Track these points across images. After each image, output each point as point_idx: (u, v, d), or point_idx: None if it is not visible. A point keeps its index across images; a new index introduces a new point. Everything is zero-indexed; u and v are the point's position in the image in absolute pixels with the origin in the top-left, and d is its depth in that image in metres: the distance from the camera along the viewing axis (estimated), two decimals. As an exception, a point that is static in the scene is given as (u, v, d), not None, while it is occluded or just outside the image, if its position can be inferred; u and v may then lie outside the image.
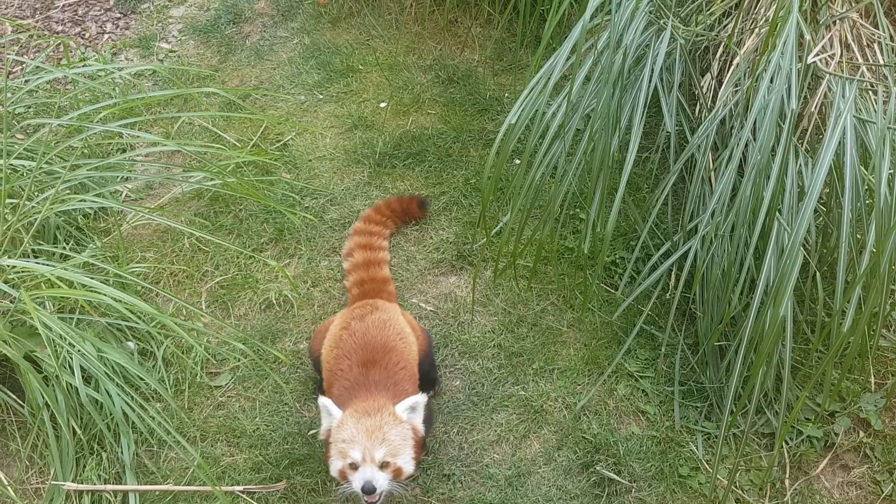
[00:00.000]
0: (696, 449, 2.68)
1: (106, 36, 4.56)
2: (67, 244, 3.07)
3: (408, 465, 2.32)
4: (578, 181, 2.77)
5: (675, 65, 2.96)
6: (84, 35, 4.58)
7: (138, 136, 3.22)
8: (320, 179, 3.54)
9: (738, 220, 2.47)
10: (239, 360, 2.91)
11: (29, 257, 2.72)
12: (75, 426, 2.54)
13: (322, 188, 3.49)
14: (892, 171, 2.33)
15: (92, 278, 2.51)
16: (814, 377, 2.49)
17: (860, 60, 2.80)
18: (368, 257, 3.01)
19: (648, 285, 2.75)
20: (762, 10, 3.12)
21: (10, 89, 3.26)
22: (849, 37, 2.87)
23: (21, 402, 2.64)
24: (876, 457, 2.65)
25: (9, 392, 2.65)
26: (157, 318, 2.62)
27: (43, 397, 2.48)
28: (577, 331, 2.99)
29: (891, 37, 2.81)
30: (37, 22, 4.69)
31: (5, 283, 2.52)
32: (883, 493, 2.59)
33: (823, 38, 2.81)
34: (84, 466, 2.59)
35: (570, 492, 2.60)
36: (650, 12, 2.78)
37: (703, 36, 3.11)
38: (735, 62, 2.96)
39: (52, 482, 2.53)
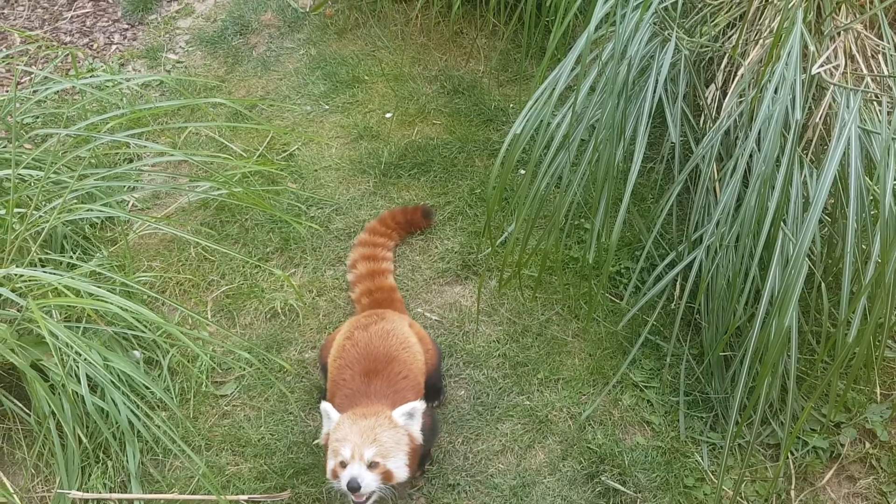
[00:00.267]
0: (702, 459, 2.67)
1: (114, 47, 4.60)
2: (74, 253, 3.08)
3: (399, 469, 2.31)
4: (583, 191, 2.78)
5: (679, 76, 2.97)
6: (92, 46, 4.62)
7: (145, 147, 3.24)
8: (326, 189, 3.56)
9: (742, 230, 2.47)
10: (244, 370, 2.91)
11: (36, 266, 2.74)
12: (81, 435, 2.55)
13: (327, 198, 3.51)
14: (896, 181, 2.33)
15: (99, 287, 2.52)
16: (819, 388, 2.49)
17: (865, 71, 2.80)
18: (373, 268, 3.02)
19: (653, 295, 2.75)
20: (766, 22, 3.13)
21: (18, 99, 3.29)
22: (853, 48, 2.87)
23: (27, 411, 2.65)
24: (882, 468, 2.64)
25: (15, 400, 2.66)
26: (163, 327, 2.63)
27: (49, 406, 2.49)
28: (582, 341, 2.99)
29: (895, 47, 2.82)
30: (45, 33, 4.73)
31: (13, 291, 2.53)
32: (889, 504, 2.58)
33: (828, 49, 2.82)
34: (89, 475, 2.60)
35: (574, 502, 2.59)
36: (654, 23, 2.79)
37: (707, 47, 3.13)
38: (740, 73, 2.97)
39: (58, 491, 2.53)
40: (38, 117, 3.75)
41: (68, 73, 4.28)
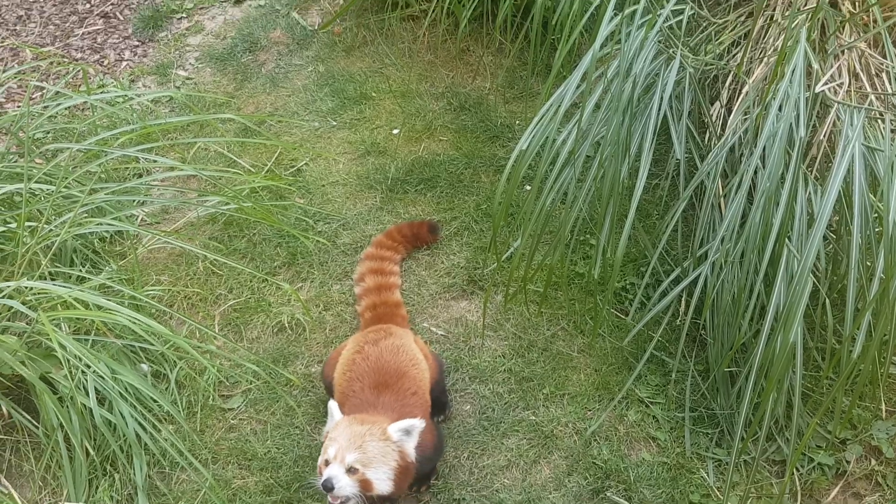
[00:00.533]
0: (707, 476, 2.67)
1: (124, 63, 4.65)
2: (84, 267, 3.11)
3: (380, 482, 2.31)
4: (588, 207, 2.80)
5: (684, 93, 2.99)
6: (103, 62, 4.67)
7: (155, 161, 3.27)
8: (333, 204, 3.58)
9: (747, 246, 2.49)
10: (251, 383, 2.93)
11: (46, 280, 2.76)
12: (89, 447, 2.57)
13: (335, 213, 3.53)
14: (900, 198, 2.34)
15: (108, 300, 2.55)
16: (824, 404, 2.49)
17: (868, 89, 2.82)
18: (379, 282, 3.04)
19: (659, 311, 2.76)
20: (770, 40, 3.16)
21: (30, 115, 3.33)
22: (857, 66, 2.89)
23: (35, 423, 2.66)
24: (888, 485, 2.64)
25: (24, 413, 2.68)
26: (172, 339, 2.65)
27: (58, 418, 2.51)
28: (587, 356, 3.00)
29: (899, 66, 2.84)
30: (57, 49, 4.79)
31: (23, 304, 2.56)
32: (896, 522, 2.58)
33: (832, 67, 2.84)
34: (97, 488, 2.61)
35: (580, 518, 2.60)
36: (659, 42, 2.82)
37: (712, 65, 3.15)
38: (744, 91, 2.99)
39: (65, 503, 2.54)
40: (48, 133, 3.79)
41: (79, 88, 4.33)
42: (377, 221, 3.49)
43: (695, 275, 2.68)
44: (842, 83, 2.82)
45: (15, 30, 4.98)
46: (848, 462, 2.67)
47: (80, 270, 3.03)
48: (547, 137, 2.62)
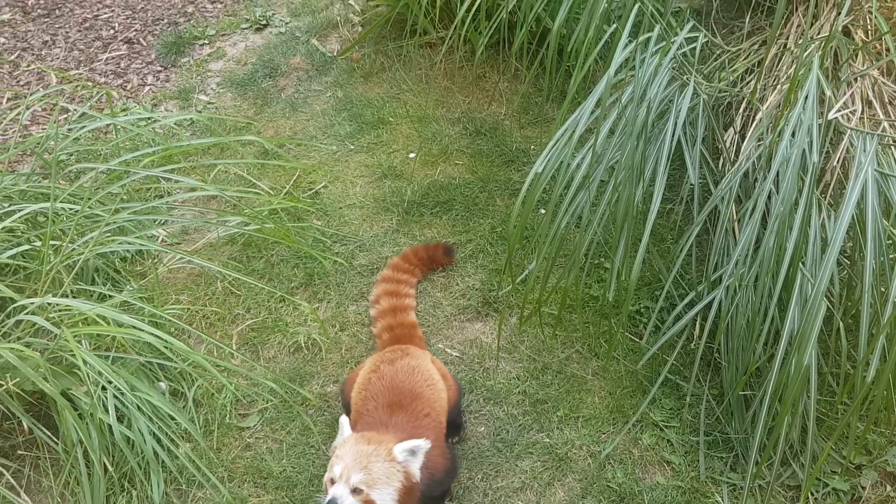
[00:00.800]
0: (722, 500, 2.66)
1: (147, 88, 4.75)
2: (105, 286, 3.16)
3: (384, 502, 2.33)
4: (603, 231, 2.82)
5: (698, 119, 3.03)
6: (126, 87, 4.77)
7: (180, 181, 3.34)
8: (350, 226, 3.63)
9: (761, 270, 2.51)
10: (268, 402, 2.96)
11: (68, 297, 2.81)
12: (107, 463, 2.59)
13: (352, 235, 3.58)
14: (914, 223, 2.36)
15: (130, 318, 2.59)
16: (839, 429, 2.48)
17: (882, 116, 2.85)
18: (395, 304, 3.07)
19: (673, 335, 2.77)
20: (784, 68, 3.20)
21: (55, 137, 3.41)
22: (870, 93, 2.93)
23: (55, 439, 2.70)
24: (905, 512, 2.62)
25: (43, 429, 2.72)
26: (192, 356, 2.68)
27: (77, 434, 2.54)
28: (601, 379, 3.01)
29: (911, 94, 2.87)
30: (81, 74, 4.89)
31: (46, 320, 2.61)
32: (913, 549, 2.56)
33: (845, 94, 2.87)
34: (114, 504, 2.64)
35: (593, 541, 2.59)
36: (673, 68, 2.86)
37: (725, 92, 3.19)
38: (758, 117, 3.03)
39: (83, 519, 2.57)
40: (71, 154, 3.87)
41: (103, 112, 4.42)
42: (393, 243, 3.53)
43: (709, 299, 2.69)
44: (854, 110, 2.85)
45: (40, 54, 5.10)
46: (863, 488, 2.66)
47: (102, 289, 3.08)
48: (562, 162, 2.65)
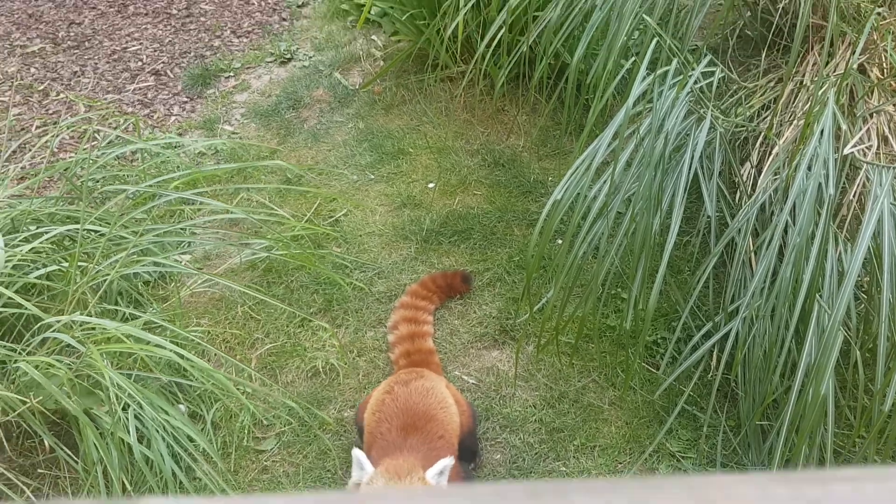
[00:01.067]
0: (738, 532, 2.64)
1: (173, 118, 4.86)
2: (128, 308, 3.22)
3: None
4: (620, 261, 2.85)
5: (715, 153, 3.07)
6: (152, 116, 4.89)
7: (204, 203, 3.41)
8: (369, 254, 3.68)
9: (778, 301, 2.52)
10: (286, 425, 2.98)
11: (93, 317, 2.87)
12: (126, 483, 2.62)
13: (370, 262, 3.63)
14: (930, 256, 2.37)
15: (156, 337, 2.64)
16: (856, 461, 2.48)
17: (897, 151, 2.88)
18: (413, 330, 3.10)
19: (690, 365, 2.78)
20: (800, 105, 3.24)
21: (83, 162, 3.50)
22: (886, 129, 2.96)
23: (75, 458, 2.73)
24: (925, 548, 2.59)
25: (64, 447, 2.75)
26: (214, 374, 2.72)
27: (98, 453, 2.57)
28: (618, 409, 3.02)
29: (927, 130, 2.90)
30: (108, 104, 5.01)
31: (71, 338, 2.66)
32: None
33: (861, 130, 2.91)
34: (132, 523, 2.66)
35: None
36: (690, 101, 2.91)
37: (742, 127, 3.24)
38: (774, 152, 3.06)
39: (101, 537, 2.59)
40: (97, 181, 3.96)
41: (131, 137, 4.52)
42: (412, 271, 3.57)
43: (726, 330, 2.70)
44: (870, 146, 2.89)
45: (69, 84, 5.24)
46: (882, 523, 2.64)
47: (126, 310, 3.14)
48: (578, 193, 2.70)
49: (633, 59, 2.91)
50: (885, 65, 3.18)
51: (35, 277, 2.90)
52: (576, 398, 3.05)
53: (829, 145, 2.59)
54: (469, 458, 2.80)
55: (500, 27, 3.69)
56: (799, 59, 3.43)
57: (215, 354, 3.05)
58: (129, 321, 2.92)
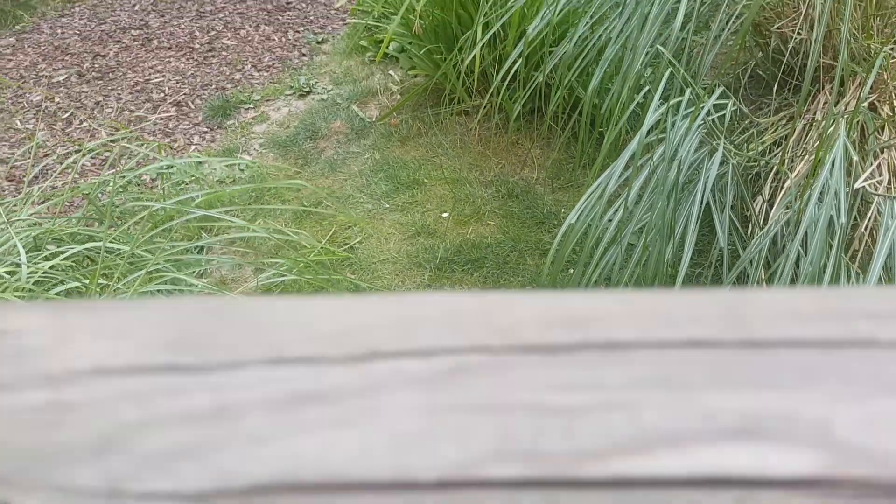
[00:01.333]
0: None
1: (193, 147, 4.96)
2: (144, 327, 3.26)
3: None
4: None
5: (727, 186, 3.11)
6: (173, 145, 4.99)
7: (231, 222, 3.47)
8: (383, 281, 3.72)
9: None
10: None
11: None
12: None
13: (384, 288, 3.66)
14: (942, 286, 2.39)
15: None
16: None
17: (908, 186, 2.92)
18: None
19: (701, 393, 2.77)
20: (811, 142, 3.29)
21: (103, 189, 3.57)
22: (896, 164, 3.00)
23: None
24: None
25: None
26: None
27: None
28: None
29: (937, 165, 2.94)
30: (130, 132, 5.13)
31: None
32: None
33: (872, 165, 2.95)
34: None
35: None
36: (703, 133, 2.97)
37: (754, 162, 3.29)
38: (786, 185, 3.11)
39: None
40: (117, 206, 4.03)
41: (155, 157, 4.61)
42: (424, 298, 3.60)
43: (737, 358, 2.71)
44: (881, 180, 2.92)
45: (92, 113, 5.37)
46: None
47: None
48: (590, 224, 2.74)
49: (647, 89, 2.97)
50: (895, 102, 3.23)
51: (55, 293, 2.95)
52: (586, 426, 3.04)
53: (840, 177, 2.63)
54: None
55: (516, 60, 3.78)
56: (810, 98, 3.49)
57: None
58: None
